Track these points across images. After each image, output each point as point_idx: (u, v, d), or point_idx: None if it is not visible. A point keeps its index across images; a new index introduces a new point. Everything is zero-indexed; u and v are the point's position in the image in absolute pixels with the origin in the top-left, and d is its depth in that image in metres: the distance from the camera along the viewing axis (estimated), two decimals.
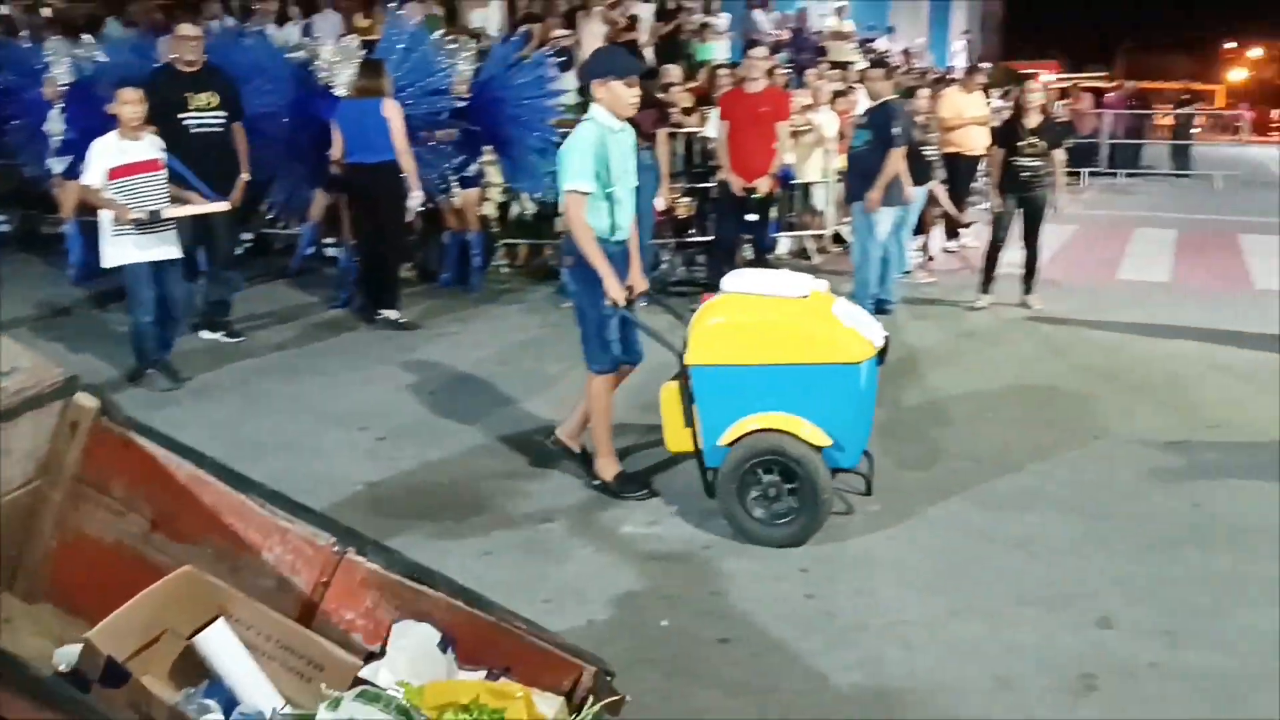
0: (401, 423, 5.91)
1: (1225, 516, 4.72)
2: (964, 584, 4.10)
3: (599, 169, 4.62)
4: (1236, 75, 58.69)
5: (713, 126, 9.43)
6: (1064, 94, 23.26)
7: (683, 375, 4.47)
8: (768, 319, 4.41)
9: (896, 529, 4.58)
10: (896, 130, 7.96)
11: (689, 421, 4.49)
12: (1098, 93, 24.05)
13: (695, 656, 3.58)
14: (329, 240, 9.69)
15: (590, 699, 2.42)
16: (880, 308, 8.26)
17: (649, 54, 12.66)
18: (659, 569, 4.22)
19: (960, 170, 10.62)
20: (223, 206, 6.91)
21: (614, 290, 4.63)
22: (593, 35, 12.47)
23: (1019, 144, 8.68)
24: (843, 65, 13.67)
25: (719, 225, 9.31)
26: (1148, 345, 7.76)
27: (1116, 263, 11.45)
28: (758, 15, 15.51)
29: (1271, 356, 7.45)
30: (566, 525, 4.63)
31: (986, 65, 20.92)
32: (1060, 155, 8.83)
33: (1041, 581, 4.12)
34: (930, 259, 10.85)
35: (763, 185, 8.78)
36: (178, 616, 2.45)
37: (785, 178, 10.06)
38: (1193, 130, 22.98)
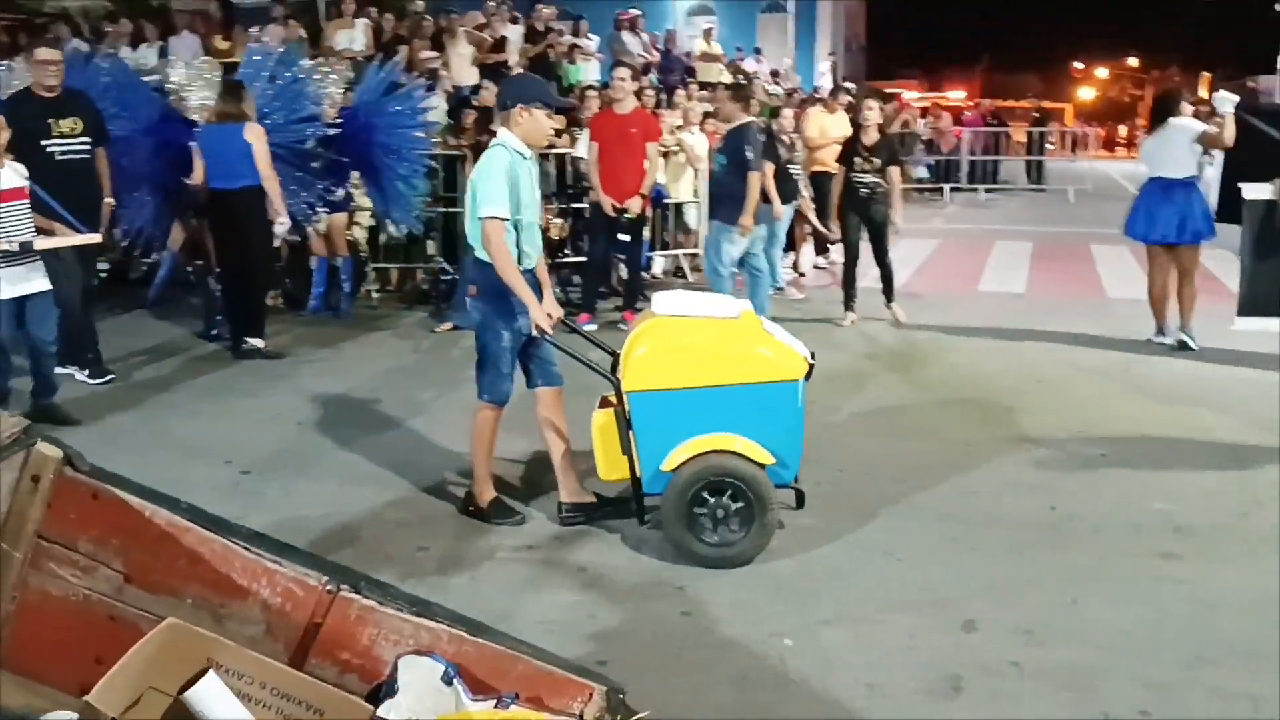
0: (267, 456, 5.73)
1: (1082, 516, 4.90)
2: (836, 592, 4.17)
3: (510, 195, 4.55)
4: (1085, 94, 61.69)
5: (583, 147, 9.47)
6: (925, 112, 24.09)
7: (619, 402, 4.43)
8: (706, 341, 4.44)
9: (771, 541, 4.62)
10: (750, 154, 8.04)
11: (626, 448, 4.44)
12: (957, 111, 24.98)
13: None
14: (191, 268, 9.39)
15: (606, 718, 2.39)
16: None
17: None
18: (533, 594, 4.18)
19: (826, 188, 10.85)
20: (94, 239, 6.68)
21: (539, 316, 4.55)
22: (460, 57, 12.41)
23: (856, 160, 8.90)
24: (711, 86, 13.88)
25: (592, 246, 9.33)
26: (1009, 353, 8.06)
27: (977, 275, 11.87)
28: (626, 37, 15.65)
29: (1127, 356, 7.86)
30: (440, 554, 4.55)
31: (851, 85, 21.59)
32: (896, 173, 8.99)
33: (910, 587, 4.22)
34: (801, 275, 11.08)
35: (634, 205, 8.85)
36: (161, 673, 2.29)
37: (657, 197, 10.16)
38: (1046, 147, 24.05)
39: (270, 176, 7.59)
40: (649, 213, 9.62)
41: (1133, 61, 62.49)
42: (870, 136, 8.91)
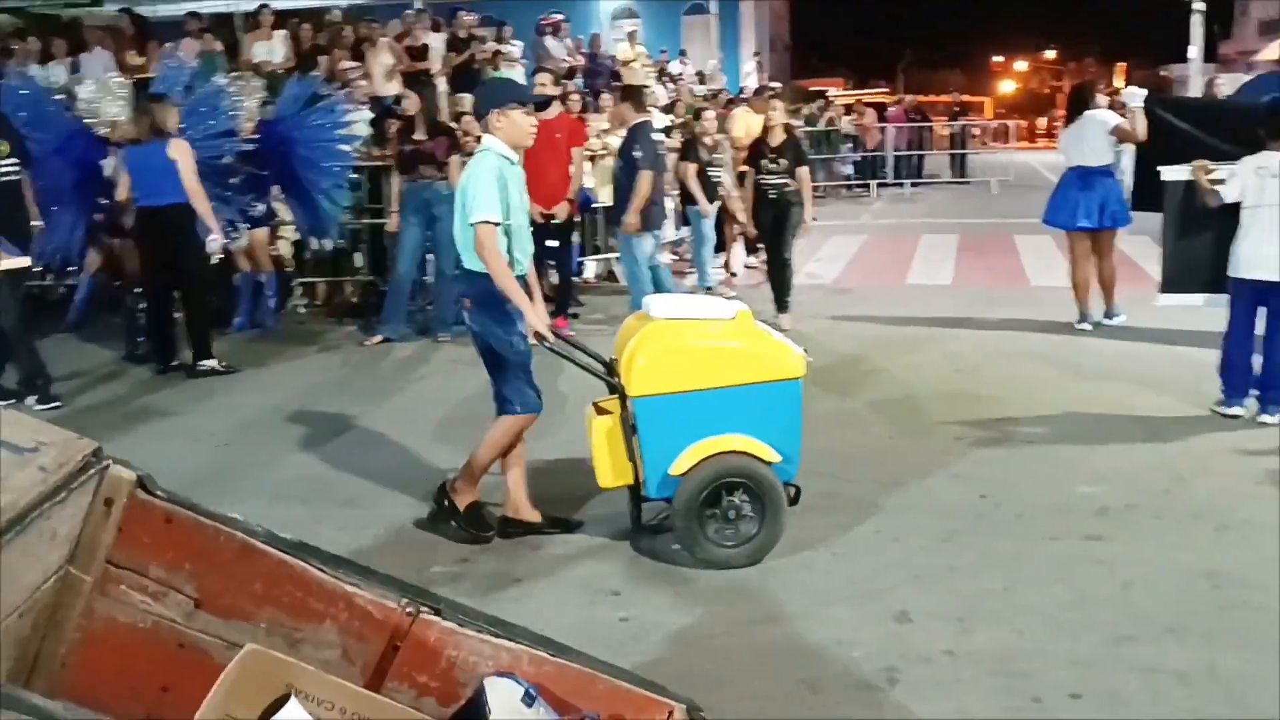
0: (193, 476, 5.60)
1: (1010, 502, 4.98)
2: (769, 589, 4.18)
3: (501, 200, 4.47)
4: (1006, 87, 62.91)
5: None
6: (849, 109, 24.36)
7: (623, 408, 4.39)
8: (708, 342, 4.44)
9: None
10: (638, 153, 8.08)
11: (632, 455, 4.41)
12: (880, 107, 25.30)
13: None
14: (114, 287, 9.19)
15: None
16: None
17: (442, 84, 12.56)
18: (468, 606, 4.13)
19: None
20: (24, 262, 6.51)
21: (537, 322, 4.49)
22: (382, 66, 12.28)
23: (763, 162, 8.85)
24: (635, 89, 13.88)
25: None
26: (937, 344, 8.18)
27: (905, 268, 12.03)
28: (550, 42, 15.62)
29: (1053, 340, 8.06)
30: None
31: (776, 85, 21.74)
32: (804, 173, 8.90)
33: (843, 581, 4.25)
34: (733, 275, 11.13)
35: (561, 211, 8.82)
36: (240, 701, 2.20)
37: (585, 202, 10.14)
38: (969, 139, 24.48)
39: (196, 192, 7.45)
40: (578, 217, 9.59)
41: (1050, 54, 63.89)
42: (776, 137, 8.86)
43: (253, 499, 5.25)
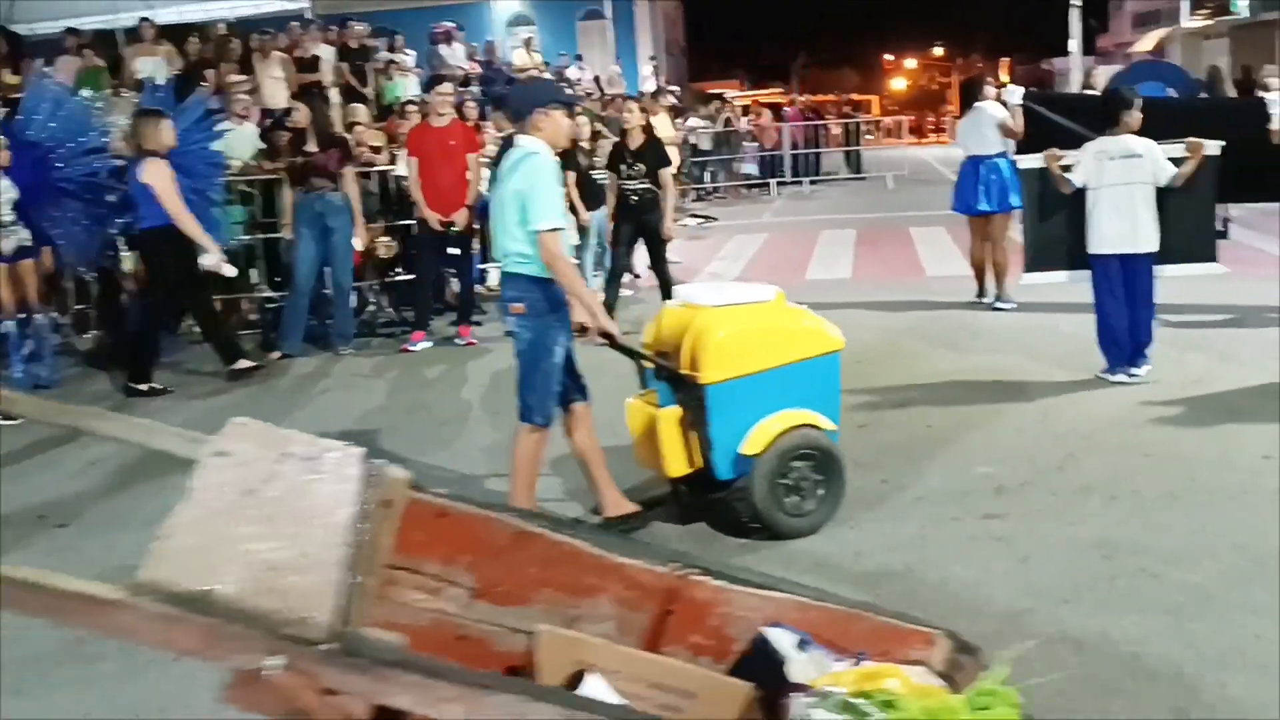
0: (86, 506, 5.44)
1: (911, 486, 5.09)
2: None
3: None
4: (898, 84, 64.33)
5: (403, 164, 9.32)
6: (746, 110, 24.67)
7: (694, 396, 4.41)
8: (765, 324, 4.61)
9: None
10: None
11: (704, 440, 4.44)
12: (776, 107, 25.68)
13: None
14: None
15: (959, 659, 2.43)
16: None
17: (334, 95, 12.39)
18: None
19: None
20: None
21: (608, 323, 4.48)
22: (274, 79, 12.06)
23: (621, 167, 8.74)
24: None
25: (422, 262, 9.18)
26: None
27: (805, 263, 12.21)
28: (444, 50, 15.50)
29: (947, 323, 8.41)
30: None
31: (674, 88, 21.92)
32: (666, 175, 8.82)
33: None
34: (636, 276, 11.15)
35: (460, 219, 8.76)
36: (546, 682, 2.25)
37: (484, 209, 10.06)
38: (865, 137, 24.98)
39: (178, 214, 7.40)
40: (477, 225, 9.53)
41: (939, 51, 65.53)
42: (635, 140, 8.74)
43: (151, 529, 5.08)
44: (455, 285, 9.46)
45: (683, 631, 2.56)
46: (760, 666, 2.40)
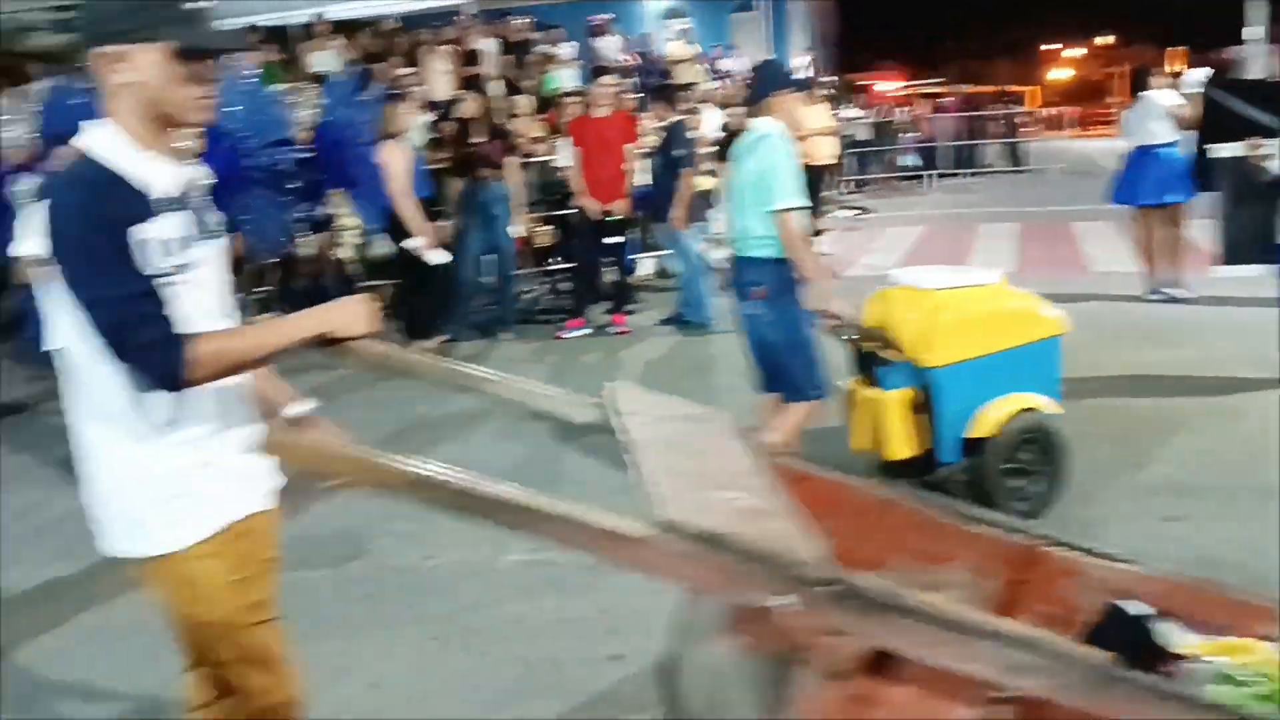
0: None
1: (1087, 484, 4.92)
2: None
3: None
4: (1058, 75, 61.95)
5: (564, 154, 9.48)
6: (905, 101, 24.18)
7: (923, 380, 4.45)
8: (992, 306, 4.61)
9: None
10: (679, 151, 8.13)
11: (932, 423, 4.47)
12: (934, 98, 25.09)
13: (588, 678, 3.56)
14: None
15: None
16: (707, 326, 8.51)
17: (495, 88, 12.67)
18: (538, 596, 4.18)
19: (809, 179, 10.89)
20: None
21: (840, 304, 4.51)
22: (437, 72, 12.42)
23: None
24: (688, 87, 13.91)
25: (580, 251, 9.34)
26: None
27: (965, 258, 11.88)
28: (599, 42, 15.67)
29: (1126, 308, 8.38)
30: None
31: (830, 79, 21.65)
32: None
33: None
34: None
35: (618, 208, 8.86)
36: None
37: (641, 199, 10.16)
38: (1024, 129, 24.16)
39: (400, 196, 7.75)
40: (635, 215, 9.63)
41: (1107, 40, 62.82)
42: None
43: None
44: (612, 274, 9.57)
45: (1035, 600, 2.54)
46: (1115, 636, 2.32)
